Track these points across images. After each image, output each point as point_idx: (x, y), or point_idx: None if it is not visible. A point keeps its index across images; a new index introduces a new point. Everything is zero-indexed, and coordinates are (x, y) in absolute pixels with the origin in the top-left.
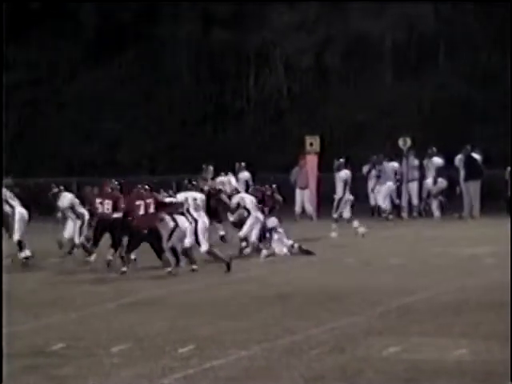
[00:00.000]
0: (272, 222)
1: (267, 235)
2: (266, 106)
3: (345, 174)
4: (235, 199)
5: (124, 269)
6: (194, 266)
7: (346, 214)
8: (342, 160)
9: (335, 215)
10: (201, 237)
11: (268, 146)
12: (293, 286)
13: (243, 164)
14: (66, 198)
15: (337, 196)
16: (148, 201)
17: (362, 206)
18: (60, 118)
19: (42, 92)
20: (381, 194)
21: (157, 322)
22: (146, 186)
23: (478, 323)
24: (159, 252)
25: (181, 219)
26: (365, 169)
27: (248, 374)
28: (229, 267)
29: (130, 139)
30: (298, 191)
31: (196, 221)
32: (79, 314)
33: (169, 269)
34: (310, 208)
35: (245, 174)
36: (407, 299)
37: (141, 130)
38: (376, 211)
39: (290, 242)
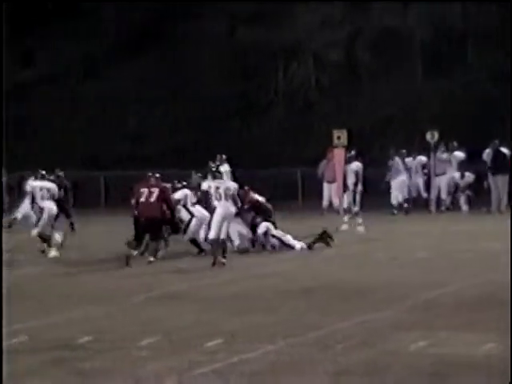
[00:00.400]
0: (262, 227)
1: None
2: (294, 100)
3: (356, 166)
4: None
5: (151, 259)
6: (223, 260)
7: (345, 204)
8: (353, 152)
9: (356, 209)
10: (213, 226)
11: (295, 140)
12: (318, 281)
13: (224, 156)
14: (30, 185)
15: (349, 189)
16: (152, 189)
17: (389, 200)
18: (86, 114)
19: (68, 88)
20: (395, 190)
21: (183, 315)
22: (157, 175)
23: (504, 318)
24: (153, 239)
25: (197, 208)
26: (391, 163)
27: (275, 368)
28: (213, 264)
29: (157, 135)
30: (325, 185)
31: (214, 210)
32: (104, 308)
33: (151, 258)
34: (337, 202)
35: (225, 168)
36: (434, 293)
37: (168, 126)
38: (395, 208)
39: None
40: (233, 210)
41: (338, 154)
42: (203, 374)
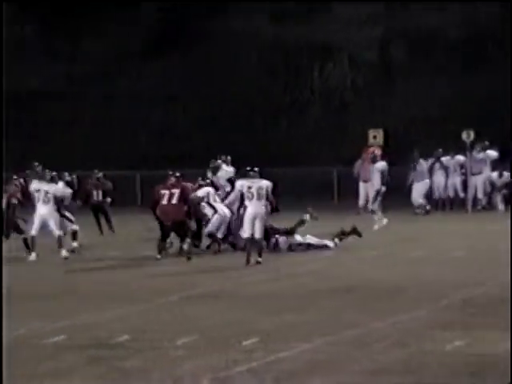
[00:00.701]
0: (283, 244)
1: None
2: (330, 100)
3: (381, 165)
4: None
5: (158, 256)
6: (259, 259)
7: (374, 205)
8: (377, 152)
9: (373, 207)
10: (245, 225)
11: (331, 139)
12: (354, 280)
13: (229, 157)
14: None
15: (374, 188)
16: (173, 191)
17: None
18: (131, 112)
19: (114, 85)
20: (418, 192)
21: (220, 314)
22: (178, 174)
23: None
24: (182, 238)
25: (219, 206)
26: (428, 162)
27: (311, 366)
28: (247, 263)
29: (193, 133)
30: (361, 184)
31: (245, 209)
32: (143, 307)
33: (189, 255)
34: None
35: (228, 169)
36: (470, 293)
37: (204, 124)
38: (417, 207)
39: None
40: (260, 208)
41: None
42: (240, 373)
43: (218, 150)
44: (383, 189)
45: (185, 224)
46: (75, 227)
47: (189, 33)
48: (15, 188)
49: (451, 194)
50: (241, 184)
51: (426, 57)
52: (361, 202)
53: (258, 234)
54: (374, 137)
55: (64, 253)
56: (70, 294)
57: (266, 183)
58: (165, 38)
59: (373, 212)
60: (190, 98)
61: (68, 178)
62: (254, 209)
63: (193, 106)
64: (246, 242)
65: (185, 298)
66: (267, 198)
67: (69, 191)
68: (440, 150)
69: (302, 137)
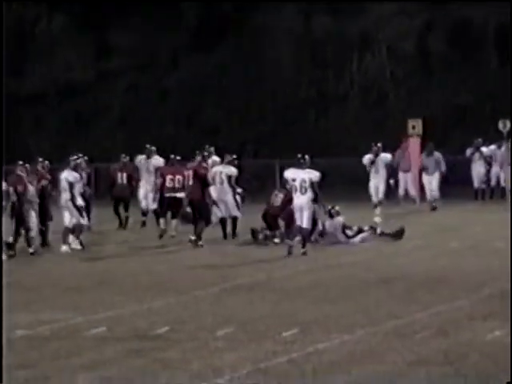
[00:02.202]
0: (336, 233)
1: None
2: (369, 91)
3: (385, 157)
4: None
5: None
6: (302, 250)
7: (380, 196)
8: (379, 144)
9: (379, 198)
10: (295, 215)
11: (371, 130)
12: (394, 270)
13: (212, 148)
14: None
15: (383, 180)
16: (186, 173)
17: (465, 189)
18: (161, 104)
19: (144, 79)
20: (432, 184)
21: (260, 305)
22: (199, 158)
23: None
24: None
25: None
26: (468, 152)
27: (352, 357)
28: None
29: (231, 125)
30: (400, 174)
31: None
32: (182, 298)
33: (196, 241)
34: (414, 191)
35: (213, 159)
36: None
37: (244, 116)
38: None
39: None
40: (302, 200)
41: (413, 143)
42: (279, 364)
43: (258, 141)
44: (390, 181)
45: (202, 204)
46: (81, 221)
47: (219, 26)
48: (42, 170)
49: (493, 183)
50: (286, 175)
51: (464, 47)
52: (401, 191)
53: (304, 224)
54: (413, 127)
55: (64, 248)
56: (107, 286)
57: (309, 176)
58: (193, 32)
59: (379, 203)
60: (220, 91)
61: (72, 163)
62: (298, 201)
63: (223, 100)
64: (283, 233)
65: (224, 290)
66: (313, 190)
67: (76, 175)
68: (480, 139)
69: (341, 127)
